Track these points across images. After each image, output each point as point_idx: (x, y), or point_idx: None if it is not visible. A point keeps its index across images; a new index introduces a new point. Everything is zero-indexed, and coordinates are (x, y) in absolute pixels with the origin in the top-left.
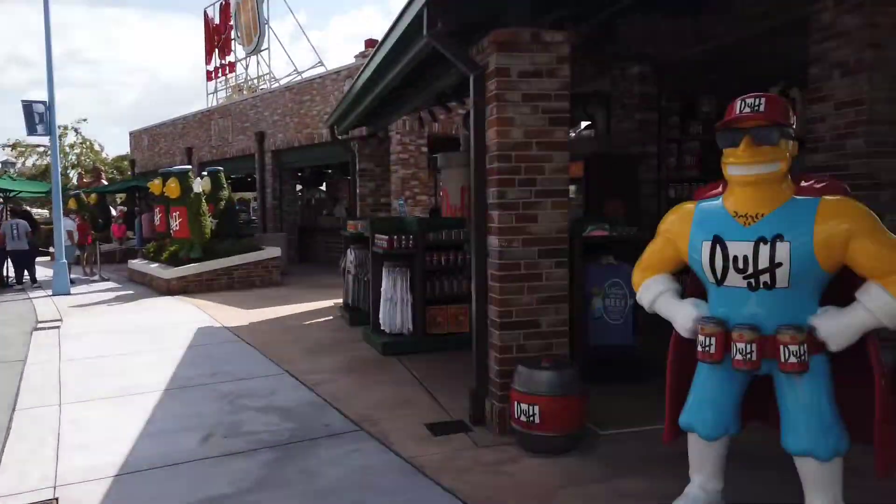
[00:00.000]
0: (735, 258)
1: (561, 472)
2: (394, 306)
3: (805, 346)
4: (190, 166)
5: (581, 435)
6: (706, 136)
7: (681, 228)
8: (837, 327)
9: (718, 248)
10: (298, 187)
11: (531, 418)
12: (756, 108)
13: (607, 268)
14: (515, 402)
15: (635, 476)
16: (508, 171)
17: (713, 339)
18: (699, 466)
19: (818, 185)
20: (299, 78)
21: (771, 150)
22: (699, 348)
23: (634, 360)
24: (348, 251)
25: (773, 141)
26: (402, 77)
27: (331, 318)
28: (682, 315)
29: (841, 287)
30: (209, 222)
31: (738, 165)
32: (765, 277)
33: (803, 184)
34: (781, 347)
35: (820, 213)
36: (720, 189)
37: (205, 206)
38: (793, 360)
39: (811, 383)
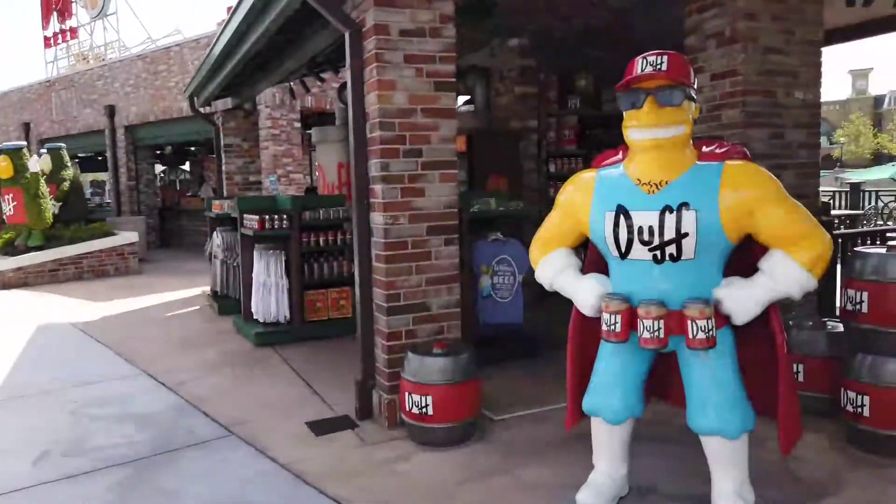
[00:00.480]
0: (640, 229)
1: (458, 466)
2: (268, 293)
3: (712, 320)
4: (24, 143)
5: (476, 423)
6: (584, 111)
7: (581, 199)
8: (743, 299)
9: (622, 219)
10: (161, 167)
11: (424, 409)
12: (658, 66)
13: (495, 244)
14: (406, 393)
15: (537, 464)
16: (392, 141)
17: (618, 317)
18: (604, 452)
19: (720, 150)
20: (154, 46)
21: (674, 111)
22: (603, 327)
23: (524, 338)
24: (214, 234)
25: (678, 102)
26: (269, 39)
27: (197, 307)
28: (584, 292)
29: (738, 258)
30: (50, 205)
31: (640, 129)
32: (671, 249)
33: (705, 149)
34: (689, 323)
35: (724, 180)
36: (620, 155)
37: (44, 188)
38: (701, 335)
39: (718, 359)
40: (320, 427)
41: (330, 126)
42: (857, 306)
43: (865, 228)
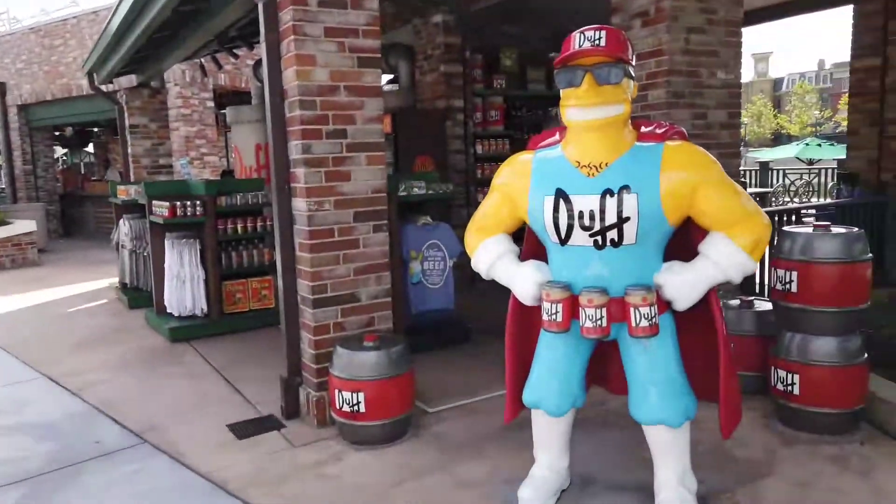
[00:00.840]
0: (580, 214)
1: (393, 465)
2: (182, 284)
3: (655, 307)
4: None
5: (410, 418)
6: (509, 90)
7: (518, 183)
8: (685, 284)
9: (562, 204)
10: (61, 150)
11: (355, 407)
12: (596, 42)
13: (425, 229)
14: (336, 390)
15: (475, 460)
16: (314, 121)
17: (559, 306)
18: (546, 445)
19: (660, 131)
20: (48, 18)
21: (614, 90)
22: (544, 317)
23: (456, 324)
24: (121, 222)
25: (617, 80)
26: (173, 9)
27: (105, 301)
28: (523, 280)
29: (673, 241)
30: None
31: (579, 108)
32: (612, 234)
33: (644, 129)
34: (632, 310)
35: (665, 161)
36: (557, 136)
37: None
38: (644, 323)
39: (660, 346)
40: (243, 429)
41: (246, 105)
42: (787, 286)
43: (778, 207)
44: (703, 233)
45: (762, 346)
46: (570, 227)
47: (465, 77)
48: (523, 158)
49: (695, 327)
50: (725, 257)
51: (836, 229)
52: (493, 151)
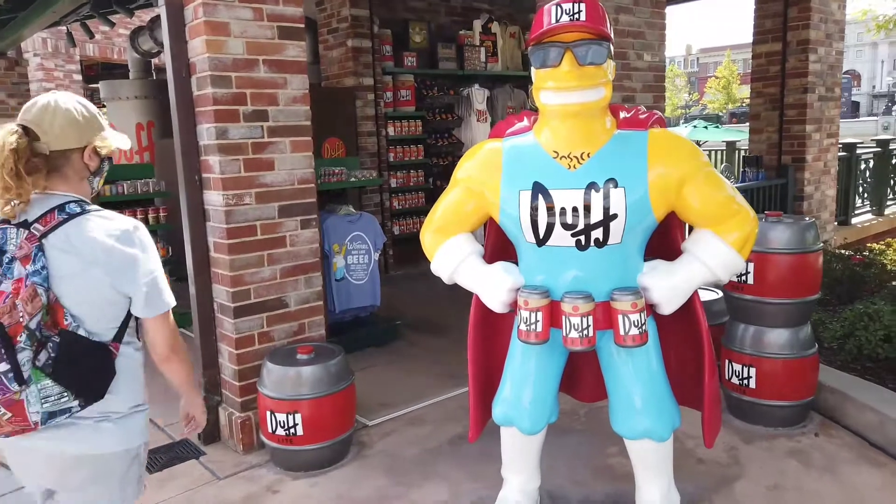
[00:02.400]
0: (563, 210)
1: (338, 495)
2: None
3: (645, 313)
4: None
5: (352, 436)
6: (421, 69)
7: (487, 176)
8: (672, 285)
9: (541, 199)
10: None
11: (292, 429)
12: (575, 15)
13: (347, 220)
14: (268, 412)
15: (429, 481)
16: (229, 101)
17: (539, 315)
18: (517, 466)
19: (642, 116)
20: None
21: (596, 71)
22: (521, 326)
23: (383, 322)
24: None
25: (600, 60)
26: None
27: None
28: (494, 285)
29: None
30: None
31: (558, 91)
32: (597, 233)
33: (624, 115)
34: (620, 317)
35: (651, 151)
36: (526, 121)
37: None
38: (634, 331)
39: (643, 354)
40: (154, 459)
41: (123, 80)
42: (743, 277)
43: None
44: (678, 227)
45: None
46: (549, 226)
47: (374, 53)
48: (491, 147)
49: (676, 330)
50: (714, 256)
51: (787, 218)
52: (406, 133)
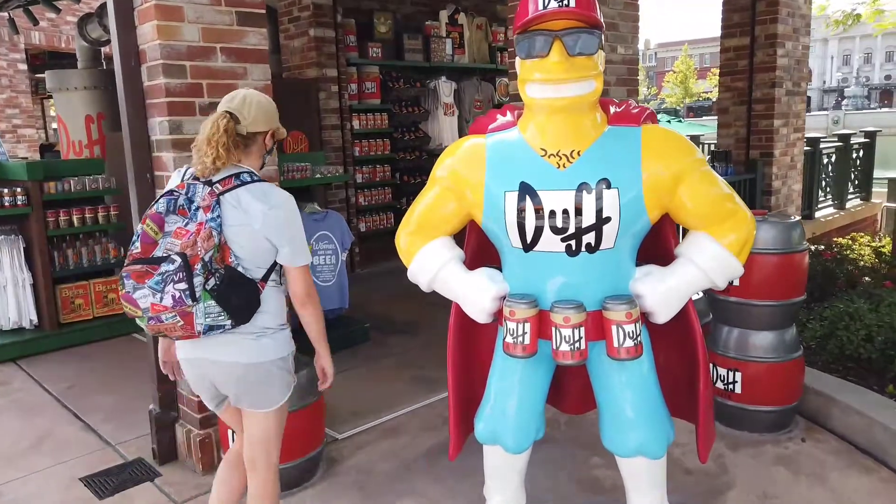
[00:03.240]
0: (552, 213)
1: None
2: (2, 291)
3: (640, 323)
4: None
5: (322, 452)
6: (386, 61)
7: (469, 174)
8: (667, 293)
9: (528, 201)
10: None
11: None
12: (565, 2)
13: (312, 218)
14: (229, 430)
15: (407, 498)
16: (183, 92)
17: (527, 326)
18: (501, 485)
19: (634, 111)
20: None
21: (587, 62)
22: (507, 339)
23: (351, 324)
24: None
25: (592, 50)
26: None
27: None
28: (477, 294)
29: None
30: None
31: (546, 84)
32: (588, 237)
33: (614, 109)
34: (614, 328)
35: (646, 148)
36: (510, 116)
37: None
38: (629, 343)
39: (638, 365)
40: (105, 483)
41: (72, 69)
42: None
43: None
44: (670, 230)
45: None
46: (538, 230)
47: (338, 44)
48: (473, 144)
49: (667, 338)
50: (711, 260)
51: (772, 217)
52: (372, 127)
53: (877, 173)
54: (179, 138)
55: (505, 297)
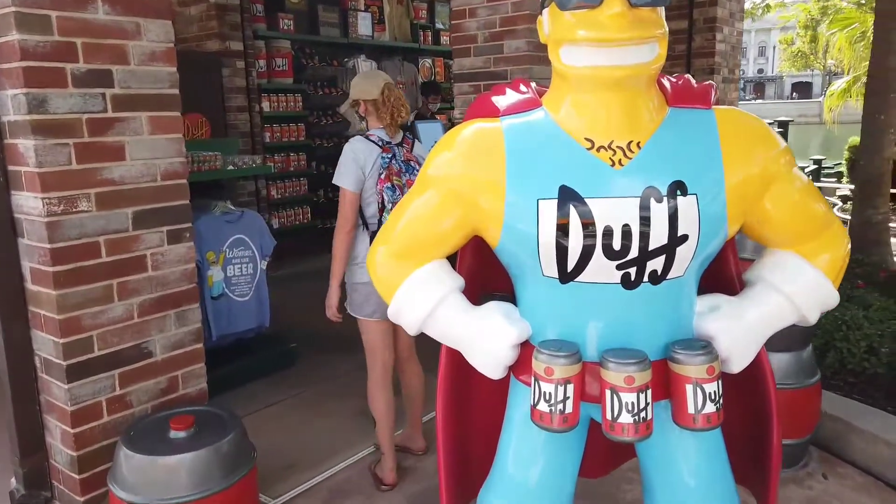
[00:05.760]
0: (607, 231)
1: None
2: None
3: (721, 381)
4: None
5: None
6: (299, 35)
7: (482, 173)
8: (746, 333)
9: (573, 213)
10: None
11: None
12: None
13: (225, 220)
14: None
15: None
16: (48, 54)
17: (570, 389)
18: None
19: (699, 88)
20: None
21: (653, 17)
22: (541, 406)
23: (273, 345)
24: None
25: (662, 1)
26: None
27: None
28: (492, 339)
29: None
30: None
31: (601, 45)
32: (655, 264)
33: (670, 85)
34: (690, 388)
35: (724, 139)
36: (530, 93)
37: None
38: (710, 408)
39: (710, 434)
40: None
41: None
42: None
43: None
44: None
45: None
46: (586, 253)
47: (243, 13)
48: (483, 130)
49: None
50: (804, 289)
51: None
52: (284, 109)
53: None
54: (43, 119)
55: (535, 348)
